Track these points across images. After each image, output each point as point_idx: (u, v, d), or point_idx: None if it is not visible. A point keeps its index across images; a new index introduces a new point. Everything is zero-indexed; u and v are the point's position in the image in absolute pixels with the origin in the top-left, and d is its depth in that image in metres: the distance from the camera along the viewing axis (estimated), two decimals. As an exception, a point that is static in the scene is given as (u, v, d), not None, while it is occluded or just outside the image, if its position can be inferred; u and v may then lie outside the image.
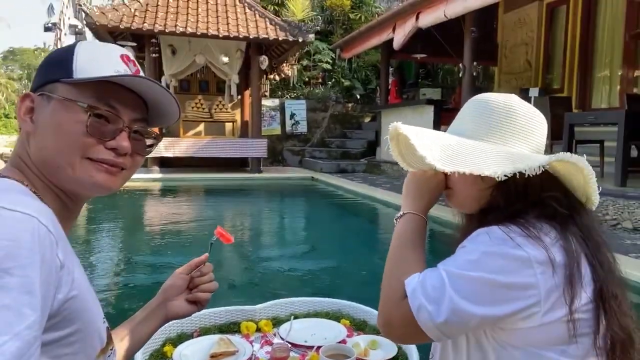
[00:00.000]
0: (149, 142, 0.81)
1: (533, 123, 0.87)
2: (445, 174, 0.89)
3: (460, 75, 7.82)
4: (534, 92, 7.74)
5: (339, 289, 3.37)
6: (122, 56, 0.76)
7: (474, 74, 7.82)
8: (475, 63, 7.73)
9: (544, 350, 0.76)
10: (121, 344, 0.88)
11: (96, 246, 5.07)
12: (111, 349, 0.74)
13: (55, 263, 0.58)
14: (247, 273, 4.07)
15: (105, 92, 0.72)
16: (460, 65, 7.78)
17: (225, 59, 9.97)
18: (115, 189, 0.76)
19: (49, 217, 0.60)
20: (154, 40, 9.76)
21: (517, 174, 0.76)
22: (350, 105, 14.24)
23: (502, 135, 0.84)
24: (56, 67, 0.72)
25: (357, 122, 14.01)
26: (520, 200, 0.82)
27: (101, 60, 0.73)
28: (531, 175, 0.76)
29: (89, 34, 13.08)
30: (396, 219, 0.93)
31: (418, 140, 0.81)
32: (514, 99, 0.87)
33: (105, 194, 0.75)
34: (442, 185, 0.91)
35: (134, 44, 10.00)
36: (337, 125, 13.78)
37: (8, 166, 0.71)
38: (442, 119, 8.56)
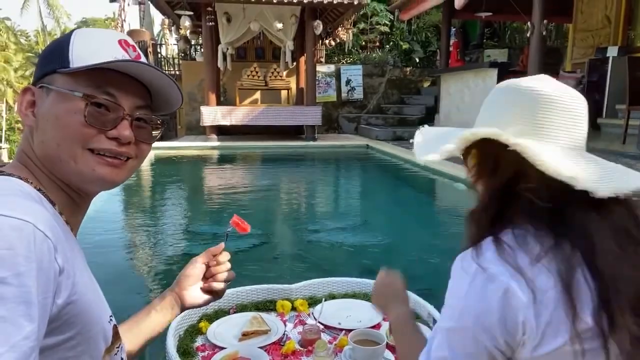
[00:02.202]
0: (155, 130, 0.77)
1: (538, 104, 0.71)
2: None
3: (528, 34, 7.20)
4: (612, 51, 7.02)
5: (388, 266, 3.31)
6: (120, 41, 0.72)
7: (544, 32, 7.15)
8: (545, 21, 7.06)
9: None
10: (137, 332, 0.88)
11: (155, 214, 5.34)
12: (117, 347, 0.74)
13: (54, 268, 0.57)
14: (295, 245, 4.11)
15: (104, 80, 0.70)
16: (529, 23, 7.15)
17: (280, 25, 9.86)
18: (120, 182, 0.74)
19: (46, 222, 0.59)
20: (209, 8, 9.82)
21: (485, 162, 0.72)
22: (408, 69, 13.71)
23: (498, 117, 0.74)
24: (53, 57, 0.70)
25: (416, 87, 13.50)
26: (497, 199, 0.70)
27: (98, 47, 0.70)
28: (502, 164, 0.69)
29: (150, 5, 13.42)
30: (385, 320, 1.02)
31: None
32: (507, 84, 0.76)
33: (109, 188, 0.74)
34: (403, 286, 1.05)
35: (191, 13, 10.14)
36: (395, 91, 13.37)
37: (14, 162, 0.71)
38: (507, 82, 8.01)
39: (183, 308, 0.95)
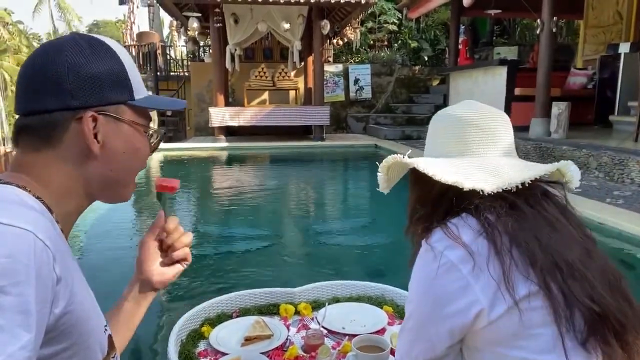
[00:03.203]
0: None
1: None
2: None
3: (538, 31, 7.11)
4: (624, 47, 6.90)
5: (396, 268, 3.28)
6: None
7: (554, 29, 7.05)
8: (555, 18, 6.96)
9: (507, 349, 0.72)
10: (115, 327, 0.84)
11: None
12: (113, 357, 0.73)
13: (52, 278, 0.57)
14: (303, 245, 4.10)
15: (148, 112, 0.77)
16: (538, 20, 7.06)
17: (287, 25, 9.86)
18: None
19: (46, 231, 0.59)
20: (217, 10, 9.85)
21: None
22: (417, 68, 13.62)
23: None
24: (118, 87, 0.71)
25: (425, 86, 13.42)
26: (436, 201, 0.86)
27: (136, 73, 0.74)
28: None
29: (159, 7, 13.51)
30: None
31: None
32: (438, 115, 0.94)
33: None
34: None
35: (199, 15, 10.19)
36: (403, 90, 13.29)
37: (10, 172, 0.69)
38: (518, 80, 7.90)
39: (155, 290, 0.88)
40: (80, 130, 0.67)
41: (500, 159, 0.84)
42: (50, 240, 0.58)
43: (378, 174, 0.94)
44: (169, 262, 0.88)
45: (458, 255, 0.73)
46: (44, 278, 0.55)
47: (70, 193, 0.70)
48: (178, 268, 0.89)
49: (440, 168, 0.81)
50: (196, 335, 1.43)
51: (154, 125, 0.80)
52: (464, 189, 0.78)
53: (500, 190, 0.77)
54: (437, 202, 0.85)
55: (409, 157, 0.87)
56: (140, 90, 0.74)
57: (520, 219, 0.75)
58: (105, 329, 0.72)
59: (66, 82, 0.66)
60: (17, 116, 0.70)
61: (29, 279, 0.53)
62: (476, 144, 0.84)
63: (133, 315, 0.87)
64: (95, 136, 0.68)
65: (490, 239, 0.73)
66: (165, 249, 0.89)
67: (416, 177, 0.89)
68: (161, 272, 0.88)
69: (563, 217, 0.79)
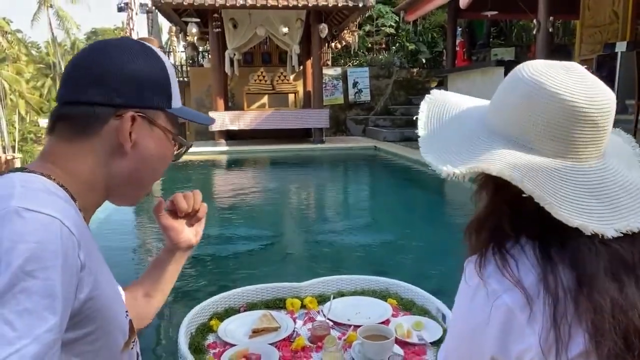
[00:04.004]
0: None
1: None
2: None
3: (535, 32, 7.17)
4: (620, 46, 6.95)
5: (397, 265, 3.32)
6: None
7: (550, 29, 7.11)
8: (551, 18, 7.02)
9: None
10: (157, 281, 0.93)
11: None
12: (133, 341, 0.76)
13: (77, 264, 0.59)
14: (305, 245, 4.13)
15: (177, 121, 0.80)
16: (535, 21, 7.12)
17: (285, 30, 9.93)
18: None
19: (71, 218, 0.61)
20: (216, 15, 9.91)
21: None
22: (415, 70, 13.71)
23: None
24: (159, 91, 0.73)
25: (423, 88, 13.47)
26: (500, 213, 0.65)
27: (177, 84, 0.77)
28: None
29: (158, 13, 13.58)
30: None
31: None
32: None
33: None
34: None
35: (198, 20, 10.25)
36: (402, 92, 13.36)
37: (39, 161, 0.71)
38: (515, 81, 7.95)
39: (192, 246, 0.96)
40: (118, 127, 0.70)
41: (606, 170, 0.63)
42: (75, 227, 0.60)
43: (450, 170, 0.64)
44: (195, 221, 0.95)
45: (515, 300, 0.60)
46: (69, 264, 0.57)
47: (93, 187, 0.72)
48: (202, 220, 0.96)
49: (557, 194, 0.59)
50: (205, 329, 1.46)
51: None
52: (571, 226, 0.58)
53: (621, 234, 0.59)
54: (501, 214, 0.65)
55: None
56: (177, 100, 0.77)
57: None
58: (127, 314, 0.75)
59: (115, 79, 0.69)
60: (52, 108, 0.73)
61: (55, 264, 0.55)
62: (583, 145, 0.62)
63: (174, 274, 0.96)
64: (130, 135, 0.71)
65: (551, 294, 0.58)
66: (182, 215, 0.94)
67: (496, 185, 0.65)
68: (195, 232, 0.95)
69: None
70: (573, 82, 0.61)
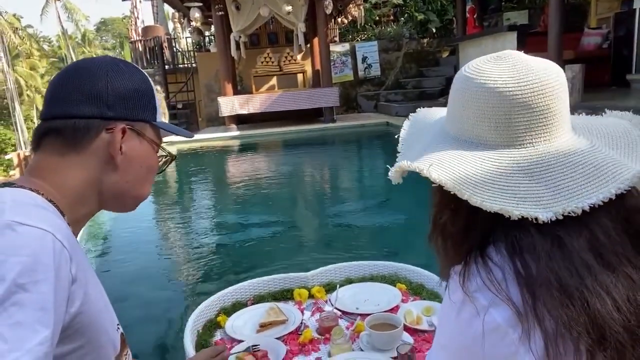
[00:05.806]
0: None
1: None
2: None
3: (547, -8, 6.87)
4: (639, 2, 6.63)
5: (410, 247, 3.27)
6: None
7: (564, -11, 6.81)
8: (565, -24, 6.71)
9: None
10: None
11: (180, 206, 5.43)
12: (126, 354, 0.75)
13: (69, 278, 0.60)
14: (318, 229, 4.12)
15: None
16: (547, -19, 6.82)
17: (289, 8, 9.74)
18: None
19: (64, 232, 0.62)
20: (218, -3, 9.78)
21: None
22: (425, 40, 13.35)
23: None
24: (145, 105, 0.76)
25: (434, 59, 13.17)
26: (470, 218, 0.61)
27: (158, 99, 0.80)
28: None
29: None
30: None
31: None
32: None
33: None
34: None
35: (200, 4, 10.13)
36: (413, 64, 13.07)
37: (25, 177, 0.71)
38: (528, 45, 7.67)
39: None
40: (109, 140, 0.72)
41: (558, 153, 0.60)
42: (67, 241, 0.61)
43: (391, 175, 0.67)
44: None
45: (505, 317, 0.56)
46: (62, 277, 0.58)
47: (84, 200, 0.73)
48: None
49: (476, 180, 0.58)
50: (212, 325, 1.46)
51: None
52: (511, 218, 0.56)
53: (558, 217, 0.55)
54: (470, 222, 0.62)
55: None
56: (160, 114, 0.80)
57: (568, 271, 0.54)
58: (118, 327, 0.74)
59: (105, 94, 0.71)
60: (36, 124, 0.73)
61: (48, 277, 0.56)
62: (524, 131, 0.60)
63: None
64: (120, 148, 0.73)
65: (532, 312, 0.55)
66: None
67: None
68: None
69: None
70: (500, 69, 0.61)
